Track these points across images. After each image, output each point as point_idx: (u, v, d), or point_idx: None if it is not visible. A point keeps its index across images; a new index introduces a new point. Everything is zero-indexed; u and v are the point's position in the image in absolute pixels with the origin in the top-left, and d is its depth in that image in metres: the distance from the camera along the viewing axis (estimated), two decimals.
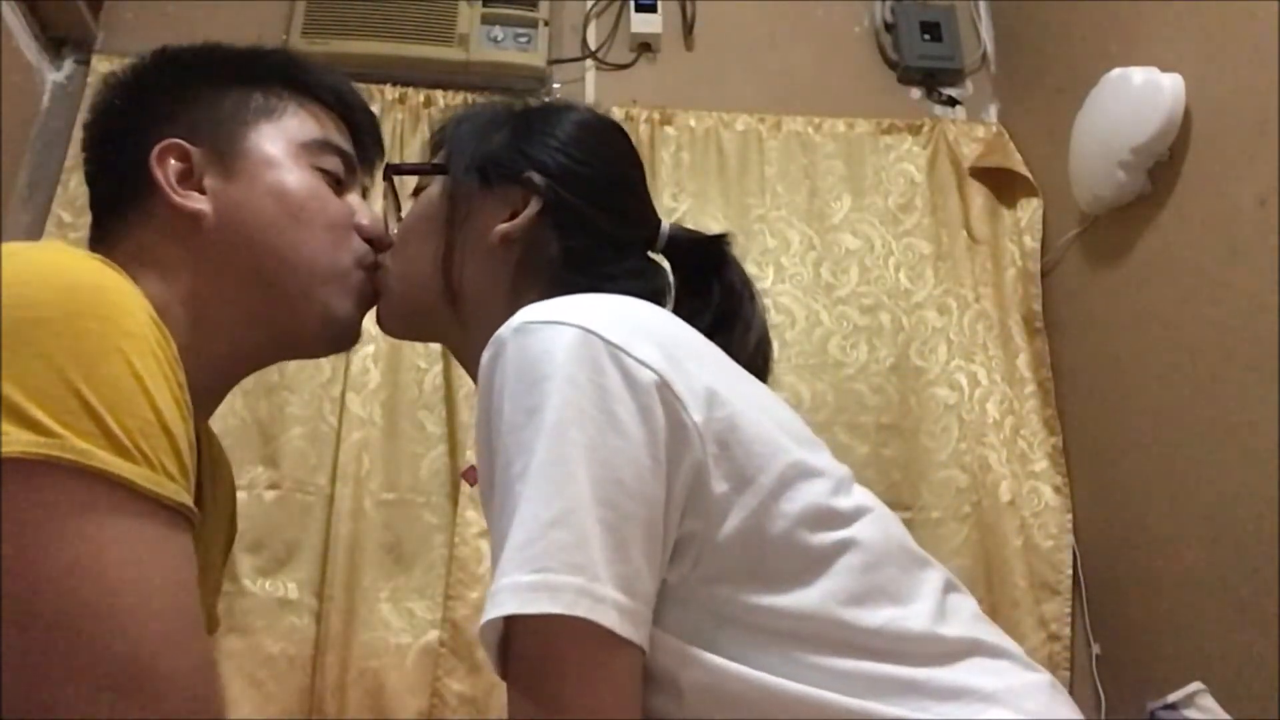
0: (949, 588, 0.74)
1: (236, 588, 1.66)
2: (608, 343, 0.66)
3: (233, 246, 0.81)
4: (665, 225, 0.91)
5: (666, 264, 0.91)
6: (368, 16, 2.03)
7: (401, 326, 0.91)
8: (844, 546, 0.69)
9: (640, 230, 0.90)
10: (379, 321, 0.89)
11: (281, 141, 0.84)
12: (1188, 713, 1.24)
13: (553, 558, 0.60)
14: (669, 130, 2.06)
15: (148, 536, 0.58)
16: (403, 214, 0.93)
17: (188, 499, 0.62)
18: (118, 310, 0.61)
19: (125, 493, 0.57)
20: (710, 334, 0.81)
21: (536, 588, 0.60)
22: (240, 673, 1.62)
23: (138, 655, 0.55)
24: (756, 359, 0.86)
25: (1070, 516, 1.86)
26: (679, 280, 0.91)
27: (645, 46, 2.18)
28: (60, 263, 0.63)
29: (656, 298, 0.86)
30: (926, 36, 2.21)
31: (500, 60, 2.05)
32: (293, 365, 1.79)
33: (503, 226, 0.84)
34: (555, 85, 2.12)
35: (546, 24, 2.10)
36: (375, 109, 1.92)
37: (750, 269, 0.93)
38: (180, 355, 0.67)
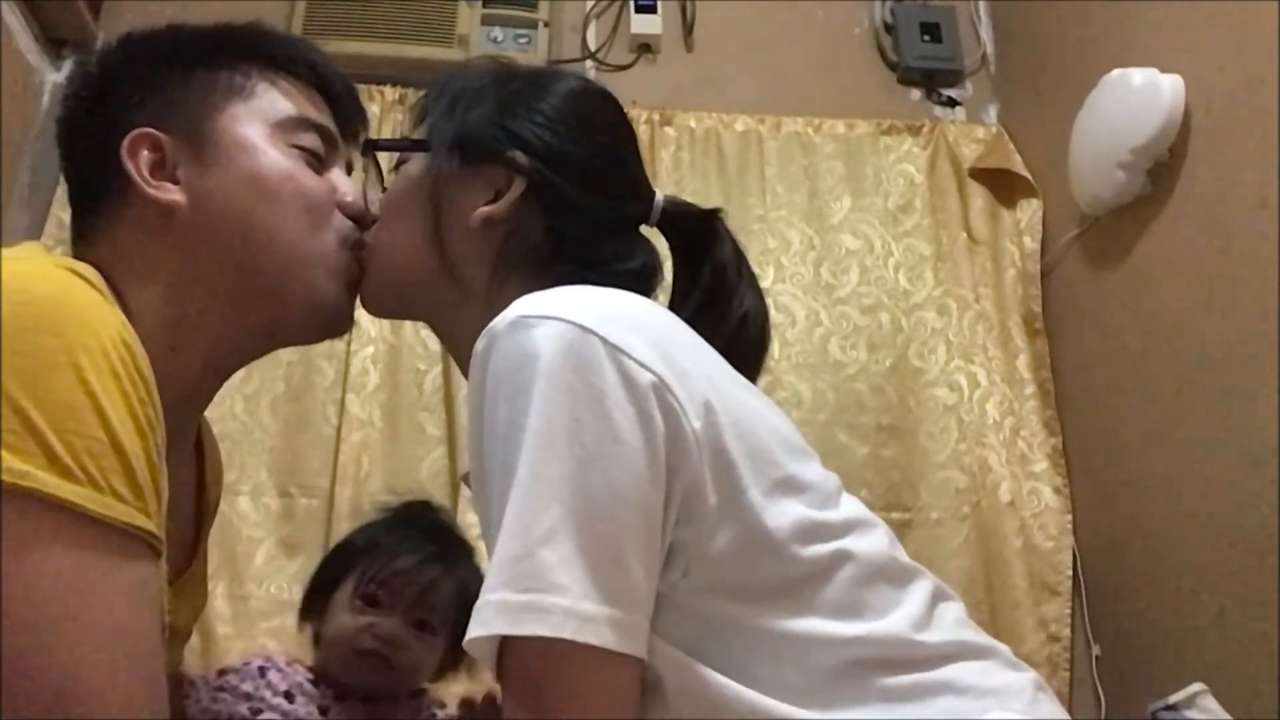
0: (937, 596, 0.73)
1: (236, 589, 1.66)
2: (606, 342, 0.64)
3: (211, 236, 0.77)
4: (659, 197, 0.86)
5: (662, 237, 0.87)
6: (368, 17, 2.03)
7: (384, 305, 0.87)
8: (835, 561, 0.68)
9: (631, 207, 0.85)
10: (362, 300, 0.85)
11: (254, 122, 0.80)
12: (1188, 713, 1.23)
13: (540, 577, 0.59)
14: (669, 131, 2.05)
15: (88, 564, 0.55)
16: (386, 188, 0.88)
17: (143, 520, 0.58)
18: (76, 326, 0.59)
19: (66, 516, 0.54)
20: (697, 314, 0.78)
21: (527, 608, 0.59)
22: None
23: (70, 693, 0.52)
24: (745, 346, 0.82)
25: (1070, 517, 1.86)
26: (673, 256, 0.87)
27: (645, 47, 2.18)
28: (26, 275, 0.60)
29: (648, 277, 0.83)
30: (926, 37, 2.21)
31: None
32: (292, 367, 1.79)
33: (484, 209, 0.79)
34: None
35: (546, 25, 2.09)
36: (375, 110, 1.93)
37: None
38: (163, 356, 0.64)
